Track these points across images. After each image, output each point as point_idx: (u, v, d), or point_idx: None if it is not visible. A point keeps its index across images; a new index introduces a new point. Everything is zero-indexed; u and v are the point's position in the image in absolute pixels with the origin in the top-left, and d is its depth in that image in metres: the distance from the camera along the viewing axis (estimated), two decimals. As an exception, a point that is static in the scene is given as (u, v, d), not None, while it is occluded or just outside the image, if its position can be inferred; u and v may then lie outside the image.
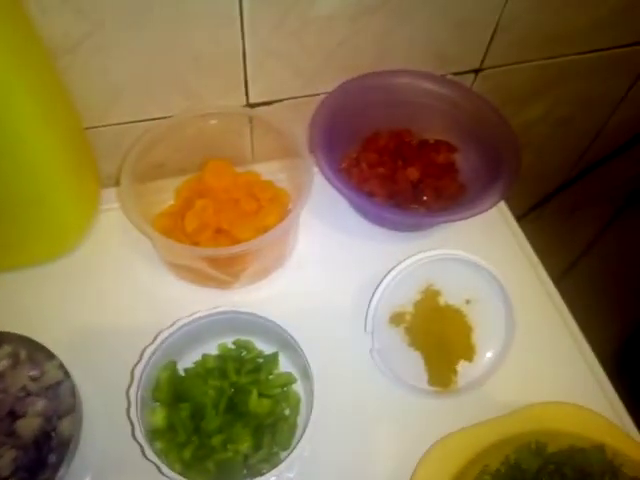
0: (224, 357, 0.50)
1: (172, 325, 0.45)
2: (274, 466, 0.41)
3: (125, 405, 0.46)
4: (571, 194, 1.05)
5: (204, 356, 0.49)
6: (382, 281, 0.51)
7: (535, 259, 0.61)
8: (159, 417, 0.45)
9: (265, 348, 0.51)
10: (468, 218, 0.53)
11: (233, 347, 0.51)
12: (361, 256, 0.60)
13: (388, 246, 0.60)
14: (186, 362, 0.50)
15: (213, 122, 0.58)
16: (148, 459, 0.39)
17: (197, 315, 0.46)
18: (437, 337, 0.53)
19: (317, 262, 0.59)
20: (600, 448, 0.46)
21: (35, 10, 0.46)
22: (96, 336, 0.52)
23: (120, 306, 0.54)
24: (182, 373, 0.49)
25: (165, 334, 0.45)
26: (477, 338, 0.54)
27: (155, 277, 0.56)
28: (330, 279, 0.58)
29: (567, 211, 1.13)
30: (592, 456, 0.46)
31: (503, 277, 0.52)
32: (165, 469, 0.39)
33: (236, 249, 0.48)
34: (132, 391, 0.42)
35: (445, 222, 0.60)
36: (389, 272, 0.51)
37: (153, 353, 0.44)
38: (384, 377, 0.51)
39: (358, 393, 0.51)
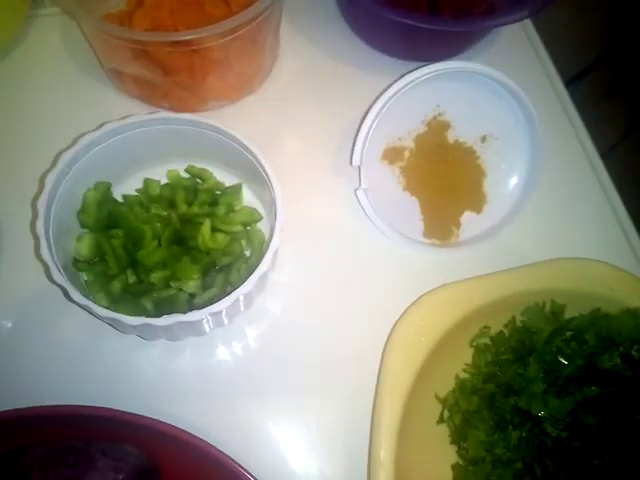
0: (173, 186, 0.40)
1: (98, 128, 0.35)
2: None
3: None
4: (609, 72, 0.91)
5: (147, 180, 0.40)
6: (377, 101, 0.40)
7: (568, 100, 0.50)
8: (85, 245, 0.36)
9: (225, 180, 0.41)
10: (492, 28, 0.41)
11: (186, 175, 0.41)
12: (356, 85, 0.48)
13: (391, 77, 0.48)
14: (125, 189, 0.40)
15: None
16: (55, 283, 0.31)
17: (132, 120, 0.36)
18: (439, 181, 0.43)
19: (301, 88, 0.47)
20: (633, 313, 0.37)
21: None
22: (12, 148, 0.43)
23: (48, 118, 0.44)
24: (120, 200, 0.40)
25: (88, 138, 0.35)
26: (489, 185, 0.44)
27: (99, 93, 0.45)
28: (315, 107, 0.47)
29: (601, 95, 0.99)
30: (621, 322, 0.37)
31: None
32: (73, 292, 0.30)
33: (188, 35, 0.36)
34: (40, 201, 0.32)
35: (459, 35, 0.47)
36: (387, 89, 0.40)
37: (72, 161, 0.34)
38: (369, 223, 0.41)
39: (337, 239, 0.42)
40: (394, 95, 0.39)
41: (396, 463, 0.33)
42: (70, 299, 0.31)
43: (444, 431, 0.37)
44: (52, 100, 0.45)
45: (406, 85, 0.39)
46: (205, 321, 0.33)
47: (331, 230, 0.42)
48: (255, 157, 0.37)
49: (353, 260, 0.42)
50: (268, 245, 0.34)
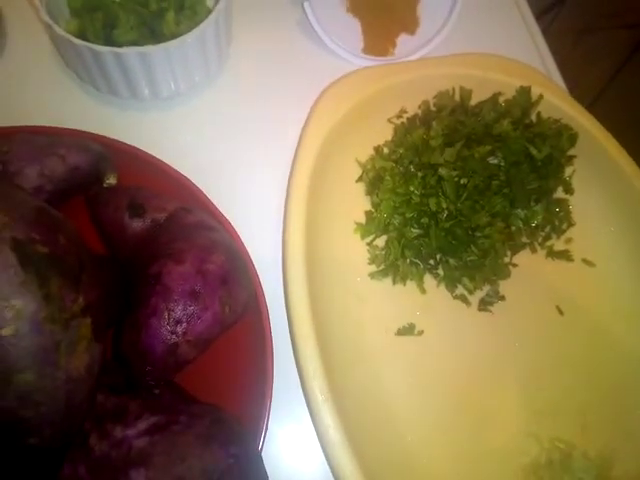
0: None
1: None
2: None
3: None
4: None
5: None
6: None
7: None
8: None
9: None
10: None
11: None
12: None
13: None
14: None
15: None
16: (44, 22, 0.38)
17: None
18: (379, 4, 0.50)
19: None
20: (526, 89, 0.43)
21: None
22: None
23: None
24: None
25: None
26: (422, 9, 0.50)
27: None
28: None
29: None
30: (516, 98, 0.43)
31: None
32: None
33: None
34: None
35: None
36: None
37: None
38: (316, 39, 0.48)
39: (286, 54, 0.49)
40: None
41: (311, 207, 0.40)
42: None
43: (361, 188, 0.43)
44: None
45: None
46: (166, 63, 0.40)
47: (281, 46, 0.50)
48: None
49: (297, 68, 0.49)
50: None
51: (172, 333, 0.28)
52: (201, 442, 0.27)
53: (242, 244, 0.35)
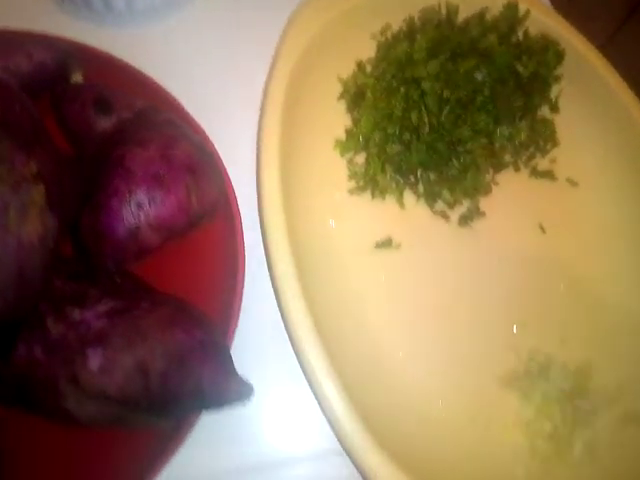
0: None
1: None
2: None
3: None
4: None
5: None
6: None
7: None
8: None
9: None
10: None
11: None
12: None
13: None
14: None
15: None
16: None
17: None
18: None
19: None
20: (513, 4, 0.42)
21: None
22: None
23: None
24: None
25: None
26: None
27: None
28: None
29: None
30: (503, 14, 0.42)
31: None
32: None
33: None
34: None
35: None
36: None
37: None
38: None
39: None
40: None
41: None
42: None
43: (343, 105, 0.42)
44: None
45: None
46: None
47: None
48: None
49: None
50: None
51: (133, 215, 0.27)
52: (163, 326, 0.26)
53: (213, 146, 0.34)
